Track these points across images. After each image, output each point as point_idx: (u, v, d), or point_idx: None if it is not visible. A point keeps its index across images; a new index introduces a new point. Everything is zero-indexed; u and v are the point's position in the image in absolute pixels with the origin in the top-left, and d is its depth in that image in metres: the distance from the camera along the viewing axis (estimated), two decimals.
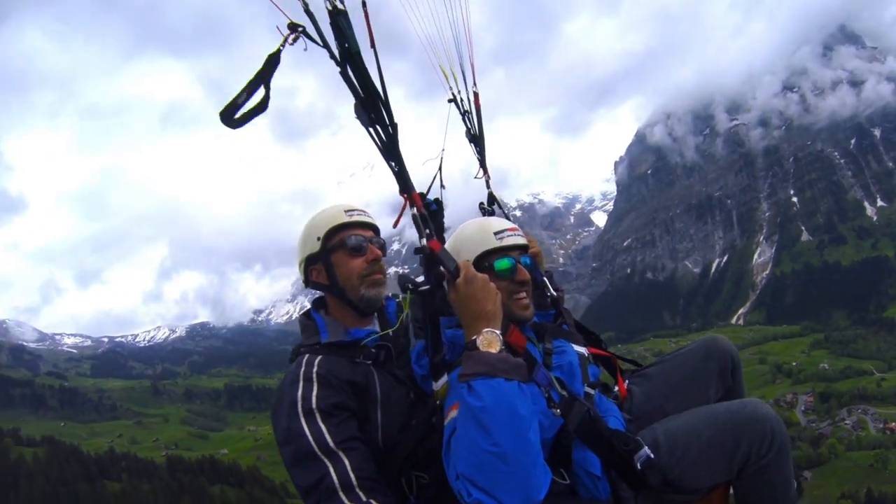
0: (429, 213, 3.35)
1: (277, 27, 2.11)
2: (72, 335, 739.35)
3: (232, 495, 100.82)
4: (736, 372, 3.29)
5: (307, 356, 2.75)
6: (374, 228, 3.07)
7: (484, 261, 2.84)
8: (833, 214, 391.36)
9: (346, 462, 2.41)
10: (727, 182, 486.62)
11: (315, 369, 2.66)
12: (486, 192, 4.66)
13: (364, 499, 2.34)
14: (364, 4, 2.28)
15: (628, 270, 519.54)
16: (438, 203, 3.93)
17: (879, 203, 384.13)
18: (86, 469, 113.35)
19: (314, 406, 2.52)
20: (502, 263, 2.82)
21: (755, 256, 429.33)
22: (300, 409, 2.52)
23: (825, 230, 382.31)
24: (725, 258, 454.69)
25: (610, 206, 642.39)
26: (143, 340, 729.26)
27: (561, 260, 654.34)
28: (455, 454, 2.09)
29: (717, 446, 2.64)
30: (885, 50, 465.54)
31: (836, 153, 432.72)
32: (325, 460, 2.40)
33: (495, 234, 2.89)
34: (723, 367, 3.23)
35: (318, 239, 2.93)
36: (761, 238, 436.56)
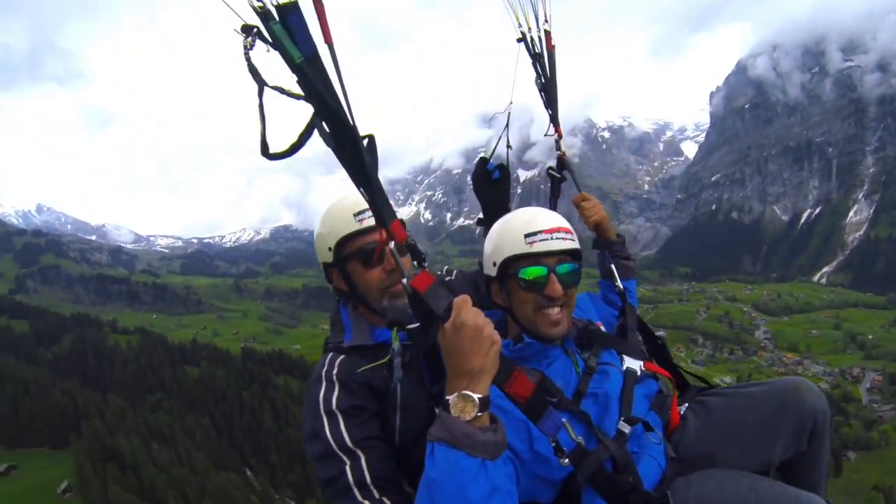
0: (490, 183, 3.65)
1: (235, 30, 1.73)
2: (164, 237, 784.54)
3: (294, 386, 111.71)
4: (817, 437, 2.61)
5: (331, 355, 2.74)
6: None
7: (510, 267, 2.51)
8: None
9: (363, 461, 2.41)
10: (831, 128, 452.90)
11: (335, 371, 2.64)
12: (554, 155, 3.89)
13: (377, 497, 2.33)
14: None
15: (713, 207, 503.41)
16: (503, 170, 3.71)
17: None
18: (170, 356, 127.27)
19: (334, 407, 2.53)
20: (530, 273, 2.46)
21: (850, 214, 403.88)
22: (322, 410, 2.53)
23: None
24: (818, 210, 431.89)
25: (702, 138, 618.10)
26: (229, 242, 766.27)
27: (646, 187, 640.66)
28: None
29: None
30: None
31: None
32: (344, 458, 2.41)
33: (526, 236, 2.50)
34: (801, 425, 2.56)
35: (330, 250, 2.77)
36: (860, 195, 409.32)
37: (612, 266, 3.34)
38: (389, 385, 2.63)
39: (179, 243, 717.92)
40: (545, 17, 3.76)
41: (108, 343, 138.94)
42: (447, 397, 1.83)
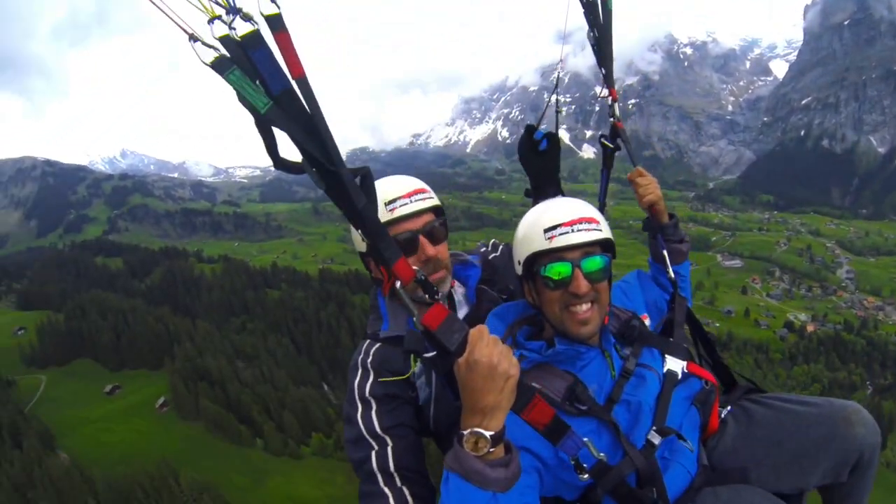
0: (537, 153, 3.44)
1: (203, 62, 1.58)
2: (242, 167, 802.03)
3: (369, 303, 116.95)
4: (860, 470, 2.44)
5: (367, 343, 2.74)
6: (430, 210, 2.68)
7: (533, 265, 2.42)
8: None
9: (390, 448, 2.43)
10: None
11: (370, 360, 2.65)
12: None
13: (398, 485, 2.36)
14: (276, 26, 1.59)
15: (802, 133, 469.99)
16: (551, 138, 3.43)
17: None
18: (252, 281, 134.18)
19: (368, 394, 2.54)
20: (552, 270, 2.35)
21: None
22: (356, 396, 2.56)
23: None
24: None
25: (793, 57, 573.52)
26: None
27: (730, 108, 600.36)
28: None
29: None
30: None
31: None
32: (372, 443, 2.44)
33: (545, 231, 2.38)
34: (844, 458, 2.39)
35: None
36: None
37: (665, 252, 3.10)
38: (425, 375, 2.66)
39: (258, 172, 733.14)
40: None
41: (194, 272, 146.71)
42: (461, 431, 1.81)
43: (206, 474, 64.40)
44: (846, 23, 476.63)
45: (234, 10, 1.54)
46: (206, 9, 1.49)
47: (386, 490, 2.35)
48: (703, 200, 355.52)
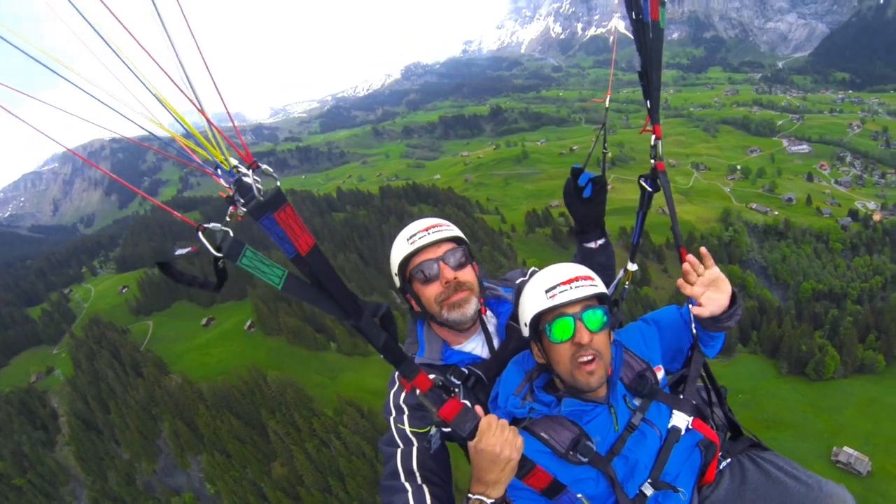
0: (583, 200, 3.35)
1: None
2: (299, 102, 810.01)
3: (427, 211, 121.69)
4: None
5: None
6: (449, 239, 2.88)
7: (538, 324, 2.61)
8: None
9: (415, 448, 2.63)
10: None
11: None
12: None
13: (419, 483, 2.53)
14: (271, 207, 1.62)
15: (881, 1, 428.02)
16: (596, 184, 3.33)
17: None
18: (318, 207, 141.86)
19: (402, 402, 2.80)
20: (556, 327, 2.55)
21: None
22: (391, 404, 2.83)
23: None
24: None
25: None
26: (363, 90, 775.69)
27: None
28: None
29: None
30: None
31: None
32: (400, 444, 2.67)
33: (546, 291, 2.59)
34: None
35: (396, 275, 2.94)
36: None
37: (692, 314, 2.78)
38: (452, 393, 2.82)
39: (315, 104, 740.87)
40: None
41: None
42: (468, 494, 2.22)
43: (289, 375, 76.03)
44: None
45: (232, 174, 1.58)
46: (222, 161, 1.54)
47: (407, 485, 2.53)
48: (770, 82, 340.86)
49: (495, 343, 3.04)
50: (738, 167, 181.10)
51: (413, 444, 2.65)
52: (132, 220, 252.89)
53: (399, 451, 2.64)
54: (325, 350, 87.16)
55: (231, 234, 1.57)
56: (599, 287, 2.63)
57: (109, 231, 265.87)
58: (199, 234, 1.51)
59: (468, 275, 2.91)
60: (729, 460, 2.88)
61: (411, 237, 2.85)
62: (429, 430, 2.77)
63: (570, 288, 2.56)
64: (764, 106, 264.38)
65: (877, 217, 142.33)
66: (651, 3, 2.79)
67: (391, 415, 2.80)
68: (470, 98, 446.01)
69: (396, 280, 2.95)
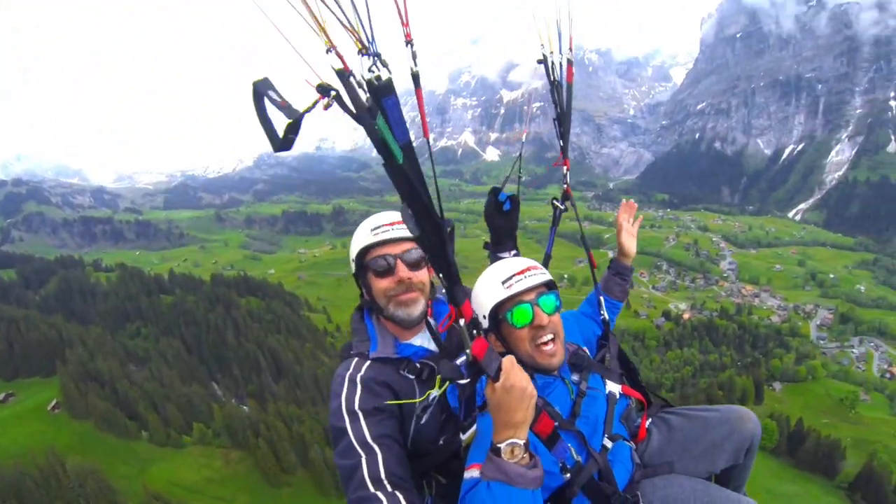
0: (501, 213, 3.87)
1: (307, 81, 1.74)
2: (147, 172, 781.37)
3: (255, 305, 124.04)
4: (750, 452, 3.35)
5: (356, 360, 2.94)
6: (412, 239, 2.83)
7: (498, 314, 2.85)
8: None
9: (379, 456, 2.57)
10: (822, 64, 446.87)
11: (361, 374, 2.84)
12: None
13: (389, 490, 2.47)
14: (416, 81, 1.91)
15: (697, 136, 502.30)
16: (513, 200, 3.85)
17: None
18: (147, 287, 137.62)
19: (357, 407, 2.71)
20: (516, 313, 2.80)
21: (832, 153, 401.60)
22: (344, 409, 2.72)
23: None
24: (801, 146, 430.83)
25: (691, 65, 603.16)
26: (213, 172, 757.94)
27: (632, 112, 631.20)
28: None
29: None
30: None
31: None
32: (361, 452, 2.58)
33: (502, 282, 2.85)
34: (740, 446, 3.28)
35: (353, 261, 3.02)
36: (844, 135, 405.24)
37: (602, 297, 3.83)
38: (411, 394, 2.90)
39: (163, 178, 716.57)
40: (570, 46, 3.75)
41: (90, 281, 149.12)
42: (498, 445, 2.27)
43: (93, 463, 70.43)
44: (738, 35, 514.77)
45: (375, 55, 1.71)
46: (357, 45, 1.65)
47: (378, 494, 2.46)
48: (601, 200, 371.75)
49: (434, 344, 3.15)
50: (566, 276, 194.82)
51: (376, 452, 2.60)
52: None
53: (363, 460, 2.56)
54: (137, 439, 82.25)
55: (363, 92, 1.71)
56: (548, 275, 2.98)
57: None
58: (349, 77, 1.66)
59: (423, 276, 3.02)
60: (651, 419, 3.46)
61: (375, 228, 2.94)
62: (427, 396, 2.88)
63: (525, 277, 2.86)
64: (594, 221, 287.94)
65: (686, 316, 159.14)
66: (567, 70, 3.71)
67: (345, 421, 2.71)
68: (316, 195, 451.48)
69: (353, 266, 3.05)
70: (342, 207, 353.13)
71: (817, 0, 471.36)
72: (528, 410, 2.29)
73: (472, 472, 2.43)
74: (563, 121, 3.83)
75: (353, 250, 3.01)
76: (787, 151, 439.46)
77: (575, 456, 2.73)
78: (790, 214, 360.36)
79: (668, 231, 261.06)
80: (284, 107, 1.81)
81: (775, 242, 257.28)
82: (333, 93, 1.75)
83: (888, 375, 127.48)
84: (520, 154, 4.04)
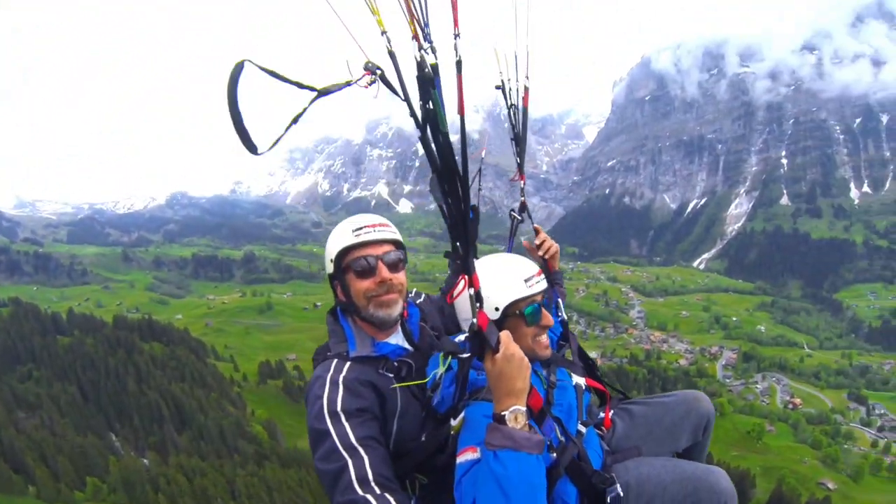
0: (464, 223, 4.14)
1: (347, 63, 1.99)
2: (51, 202, 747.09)
3: (159, 350, 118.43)
4: (707, 430, 3.63)
5: (336, 361, 2.95)
6: (392, 242, 3.09)
7: (515, 307, 3.01)
8: (817, 186, 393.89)
9: (365, 458, 2.57)
10: (722, 127, 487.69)
11: (343, 375, 2.85)
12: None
13: (378, 492, 2.47)
14: (459, 68, 2.07)
15: (607, 191, 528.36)
16: (475, 210, 3.53)
17: (865, 188, 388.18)
18: (42, 326, 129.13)
19: (339, 408, 2.70)
20: (532, 311, 3.01)
21: (732, 207, 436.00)
22: (326, 411, 2.70)
23: (805, 200, 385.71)
24: (703, 201, 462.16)
25: (603, 124, 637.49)
26: (123, 208, 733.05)
27: (545, 168, 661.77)
28: (475, 502, 2.41)
29: (676, 502, 3.00)
30: None
31: (837, 127, 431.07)
32: (346, 455, 2.56)
33: (525, 281, 3.05)
34: (698, 424, 3.57)
35: (331, 261, 3.04)
36: (742, 190, 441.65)
37: (559, 300, 4.20)
38: (392, 393, 2.94)
39: (68, 209, 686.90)
40: (526, 74, 4.04)
41: None
42: (502, 413, 2.40)
43: None
44: (647, 98, 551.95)
45: (429, 40, 2.01)
46: (414, 32, 1.93)
47: (368, 497, 2.45)
48: None
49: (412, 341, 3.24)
50: None
51: (362, 455, 2.59)
52: None
53: (349, 463, 2.55)
54: (23, 494, 74.52)
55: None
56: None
57: None
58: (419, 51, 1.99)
59: (402, 278, 3.10)
60: (613, 410, 3.63)
61: (358, 230, 3.00)
62: (434, 375, 2.92)
63: (540, 279, 3.12)
64: None
65: (598, 363, 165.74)
66: (524, 96, 3.98)
67: (327, 424, 2.69)
68: (228, 240, 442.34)
69: (330, 266, 3.06)
70: (253, 254, 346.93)
71: (718, 69, 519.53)
72: (526, 380, 2.45)
73: (466, 455, 2.54)
74: (519, 141, 4.29)
75: (332, 251, 3.03)
76: (690, 206, 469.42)
77: (559, 436, 2.89)
78: (695, 264, 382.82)
79: (578, 283, 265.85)
80: (273, 73, 2.00)
81: (681, 290, 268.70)
82: (379, 71, 1.98)
83: (791, 406, 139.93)
84: (479, 169, 4.10)
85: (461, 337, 3.16)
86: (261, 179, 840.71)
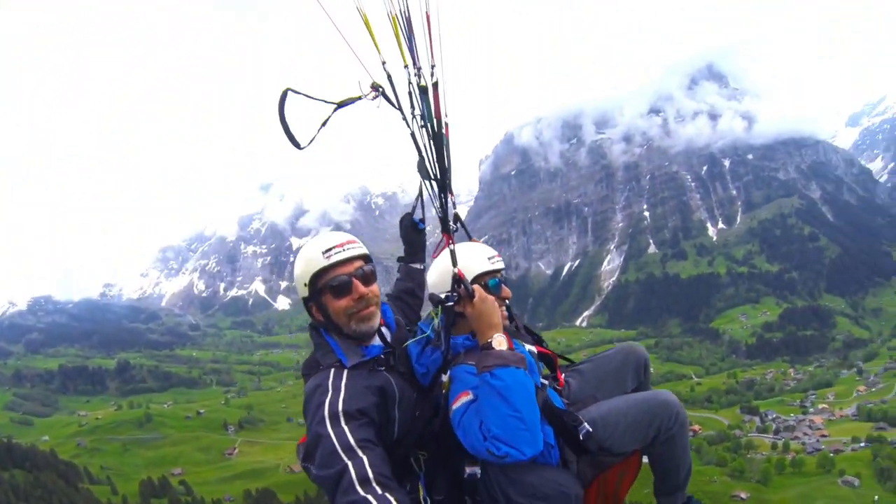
0: (418, 232, 4.66)
1: (359, 83, 2.64)
2: None
3: (21, 478, 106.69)
4: (646, 370, 4.18)
5: (333, 370, 3.06)
6: (360, 257, 3.23)
7: (480, 280, 3.54)
8: (679, 231, 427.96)
9: (365, 460, 2.63)
10: (587, 190, 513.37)
11: (343, 381, 2.98)
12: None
13: (379, 492, 2.51)
14: (436, 87, 2.90)
15: None
16: (423, 222, 4.60)
17: (720, 225, 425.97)
18: None
19: (339, 410, 2.80)
20: (495, 283, 3.62)
21: (605, 263, 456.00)
22: (326, 414, 2.80)
23: (670, 245, 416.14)
24: (577, 262, 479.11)
25: (472, 202, 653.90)
26: None
27: None
28: (482, 422, 2.83)
29: (638, 423, 3.46)
30: (744, 91, 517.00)
31: (688, 176, 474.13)
32: (345, 457, 2.63)
33: (489, 258, 3.66)
34: (637, 366, 4.09)
35: (305, 286, 3.18)
36: (612, 246, 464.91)
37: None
38: (388, 384, 3.12)
39: None
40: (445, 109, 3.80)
41: None
42: (489, 341, 2.99)
43: None
44: (513, 172, 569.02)
45: (417, 68, 2.79)
46: (405, 62, 2.70)
47: (369, 497, 2.49)
48: None
49: (388, 337, 3.40)
50: None
51: (362, 456, 2.65)
52: None
53: (349, 465, 2.60)
54: None
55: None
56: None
57: None
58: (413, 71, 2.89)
59: (376, 289, 3.27)
60: (564, 373, 4.07)
61: (328, 251, 3.12)
62: (433, 325, 3.23)
63: (499, 259, 3.71)
64: None
65: None
66: (445, 132, 3.60)
67: (326, 427, 2.76)
68: (99, 348, 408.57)
69: (305, 290, 3.20)
70: (128, 362, 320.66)
71: (577, 138, 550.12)
72: (500, 317, 3.03)
73: (460, 400, 2.98)
74: (443, 185, 4.38)
75: (305, 275, 3.17)
76: (566, 269, 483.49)
77: (540, 378, 3.36)
78: (577, 322, 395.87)
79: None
80: (305, 95, 2.80)
81: (568, 350, 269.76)
82: (381, 88, 2.68)
83: (691, 434, 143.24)
84: (420, 187, 4.32)
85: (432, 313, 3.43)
86: (133, 281, 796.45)
